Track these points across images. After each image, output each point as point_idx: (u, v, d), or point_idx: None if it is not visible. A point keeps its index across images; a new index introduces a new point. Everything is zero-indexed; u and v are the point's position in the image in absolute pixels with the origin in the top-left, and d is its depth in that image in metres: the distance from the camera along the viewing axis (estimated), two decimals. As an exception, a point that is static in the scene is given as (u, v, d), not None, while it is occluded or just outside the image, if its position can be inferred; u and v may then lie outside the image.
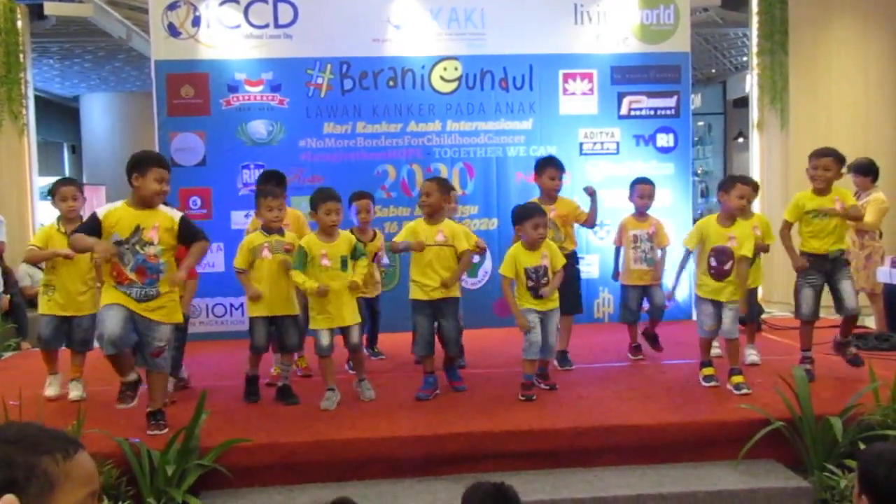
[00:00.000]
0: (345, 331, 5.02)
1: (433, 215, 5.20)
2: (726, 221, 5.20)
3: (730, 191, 5.15)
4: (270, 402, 5.09)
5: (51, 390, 5.31)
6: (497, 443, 4.37)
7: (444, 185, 5.36)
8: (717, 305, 5.13)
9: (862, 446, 3.78)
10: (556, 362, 5.78)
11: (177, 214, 4.46)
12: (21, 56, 9.23)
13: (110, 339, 4.21)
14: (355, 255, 5.06)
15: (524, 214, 5.14)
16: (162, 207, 4.43)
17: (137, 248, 4.29)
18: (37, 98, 10.32)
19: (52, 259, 5.20)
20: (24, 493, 1.33)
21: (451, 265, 5.15)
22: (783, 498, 4.03)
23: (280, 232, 5.19)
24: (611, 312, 7.89)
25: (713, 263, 5.13)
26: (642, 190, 6.12)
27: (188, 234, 4.44)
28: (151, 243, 4.30)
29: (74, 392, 5.29)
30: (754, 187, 5.98)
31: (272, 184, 5.65)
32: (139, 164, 4.32)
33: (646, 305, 6.17)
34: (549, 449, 4.36)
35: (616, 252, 6.26)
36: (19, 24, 9.24)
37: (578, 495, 3.96)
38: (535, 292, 5.06)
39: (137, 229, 4.28)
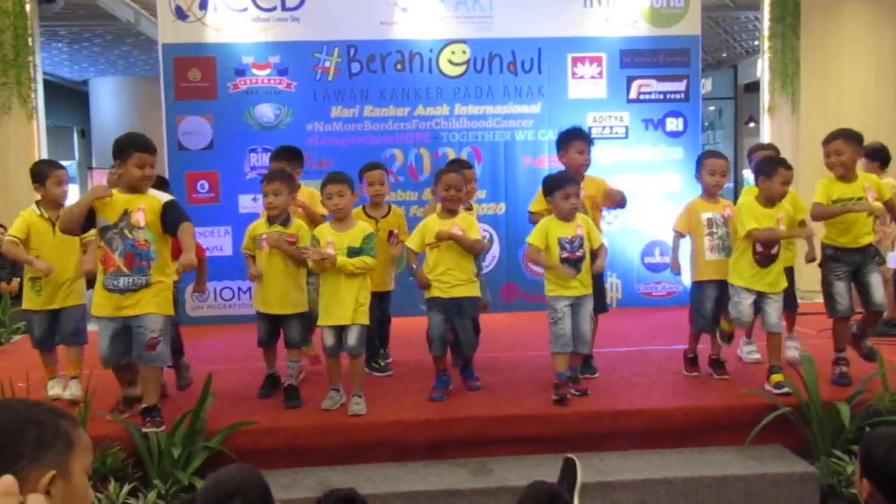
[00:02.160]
0: (344, 330, 4.59)
1: (454, 210, 4.88)
2: (769, 203, 4.79)
3: (772, 176, 4.73)
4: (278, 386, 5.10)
5: (55, 390, 4.89)
6: (503, 427, 4.37)
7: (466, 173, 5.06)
8: (760, 296, 4.76)
9: (869, 432, 3.75)
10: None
11: (164, 197, 4.28)
12: (30, 40, 9.22)
13: (102, 358, 4.28)
14: (366, 249, 4.61)
15: (555, 184, 4.71)
16: (152, 191, 4.26)
17: (126, 231, 4.13)
18: (46, 82, 10.30)
19: (36, 250, 4.81)
20: (52, 450, 1.43)
21: (465, 257, 4.80)
22: (790, 483, 4.02)
23: (285, 222, 4.81)
24: (619, 297, 7.87)
25: (759, 248, 4.74)
26: (714, 165, 5.11)
27: (170, 218, 4.20)
28: (139, 227, 4.13)
29: (73, 391, 4.81)
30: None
31: (299, 163, 5.46)
32: (120, 150, 4.21)
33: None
34: (555, 434, 4.35)
35: (675, 240, 5.33)
36: (28, 7, 9.21)
37: (584, 480, 3.92)
38: (570, 265, 4.62)
39: (125, 213, 4.14)
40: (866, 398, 4.36)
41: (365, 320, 4.61)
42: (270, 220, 4.81)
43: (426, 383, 5.06)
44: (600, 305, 5.17)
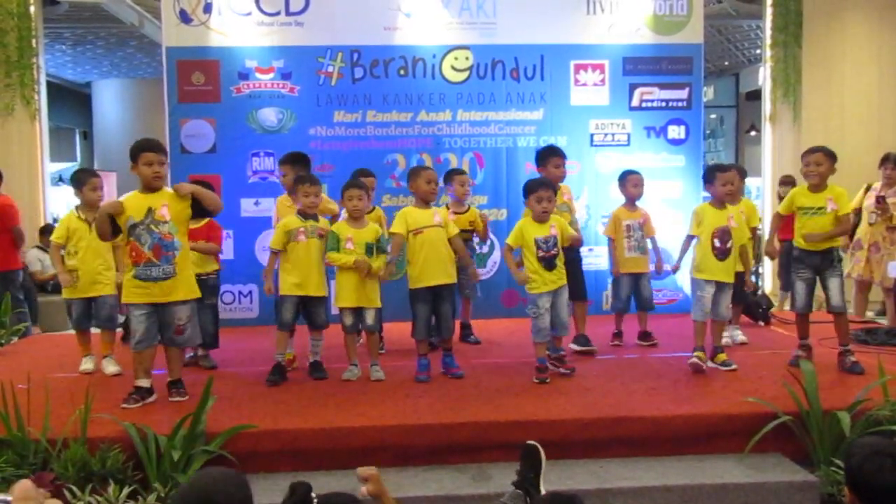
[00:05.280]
0: (362, 312, 5.36)
1: (430, 202, 5.53)
2: (720, 205, 5.56)
3: (713, 182, 5.54)
4: (278, 389, 5.11)
5: (87, 366, 5.65)
6: (503, 432, 4.36)
7: None
8: (718, 287, 5.44)
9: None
10: (577, 346, 5.99)
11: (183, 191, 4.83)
12: (34, 41, 9.26)
13: (139, 340, 4.74)
14: (379, 247, 5.34)
15: (530, 188, 5.31)
16: (168, 189, 4.78)
17: (152, 227, 4.63)
18: (49, 84, 10.35)
19: (75, 246, 5.54)
20: None
21: (447, 246, 5.38)
22: (789, 492, 4.01)
23: (315, 218, 5.41)
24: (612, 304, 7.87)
25: (717, 244, 5.42)
26: (636, 179, 6.35)
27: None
28: (164, 221, 4.65)
29: (110, 368, 5.63)
30: (740, 173, 6.32)
31: (307, 168, 5.87)
32: (131, 154, 4.72)
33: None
34: (555, 439, 4.34)
35: (609, 245, 6.40)
36: (32, 9, 9.26)
37: (584, 486, 3.95)
38: (547, 262, 5.17)
39: (149, 210, 4.64)
40: (867, 407, 4.36)
41: (379, 304, 5.38)
42: (305, 217, 5.37)
43: (426, 388, 5.08)
44: (579, 293, 5.89)
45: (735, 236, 5.48)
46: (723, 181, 5.52)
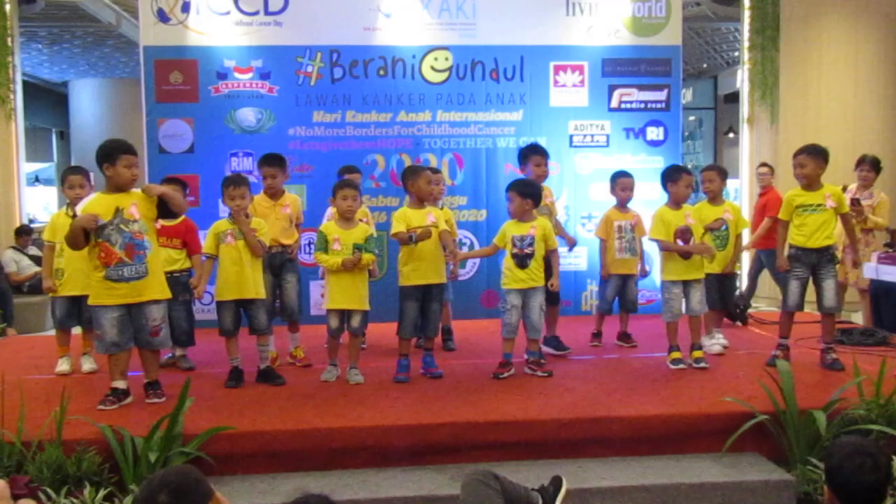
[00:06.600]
0: (348, 314, 5.28)
1: (427, 202, 5.50)
2: (676, 206, 5.66)
3: (678, 181, 5.63)
4: (255, 390, 5.08)
5: (63, 367, 5.64)
6: (482, 433, 4.36)
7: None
8: (686, 286, 5.57)
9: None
10: (551, 349, 5.94)
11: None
12: (9, 40, 9.16)
13: (109, 343, 4.66)
14: (367, 247, 5.26)
15: (509, 185, 5.50)
16: (135, 189, 4.72)
17: (122, 226, 4.57)
18: (25, 83, 10.24)
19: (61, 244, 5.47)
20: None
21: (439, 246, 5.35)
22: (766, 491, 4.04)
23: (246, 218, 5.29)
24: (597, 304, 7.90)
25: (680, 244, 5.54)
26: (625, 183, 6.38)
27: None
28: (134, 220, 4.59)
29: (87, 365, 5.70)
30: (721, 173, 6.29)
31: (282, 169, 5.86)
32: (108, 154, 4.62)
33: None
34: (534, 439, 4.36)
35: (601, 246, 6.42)
36: (8, 7, 9.16)
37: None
38: (519, 260, 5.30)
39: (118, 210, 4.57)
40: (842, 407, 4.40)
41: (367, 306, 5.31)
42: (233, 219, 5.27)
43: (405, 388, 5.07)
44: (551, 296, 5.78)
45: (695, 232, 5.59)
46: (686, 182, 5.63)
